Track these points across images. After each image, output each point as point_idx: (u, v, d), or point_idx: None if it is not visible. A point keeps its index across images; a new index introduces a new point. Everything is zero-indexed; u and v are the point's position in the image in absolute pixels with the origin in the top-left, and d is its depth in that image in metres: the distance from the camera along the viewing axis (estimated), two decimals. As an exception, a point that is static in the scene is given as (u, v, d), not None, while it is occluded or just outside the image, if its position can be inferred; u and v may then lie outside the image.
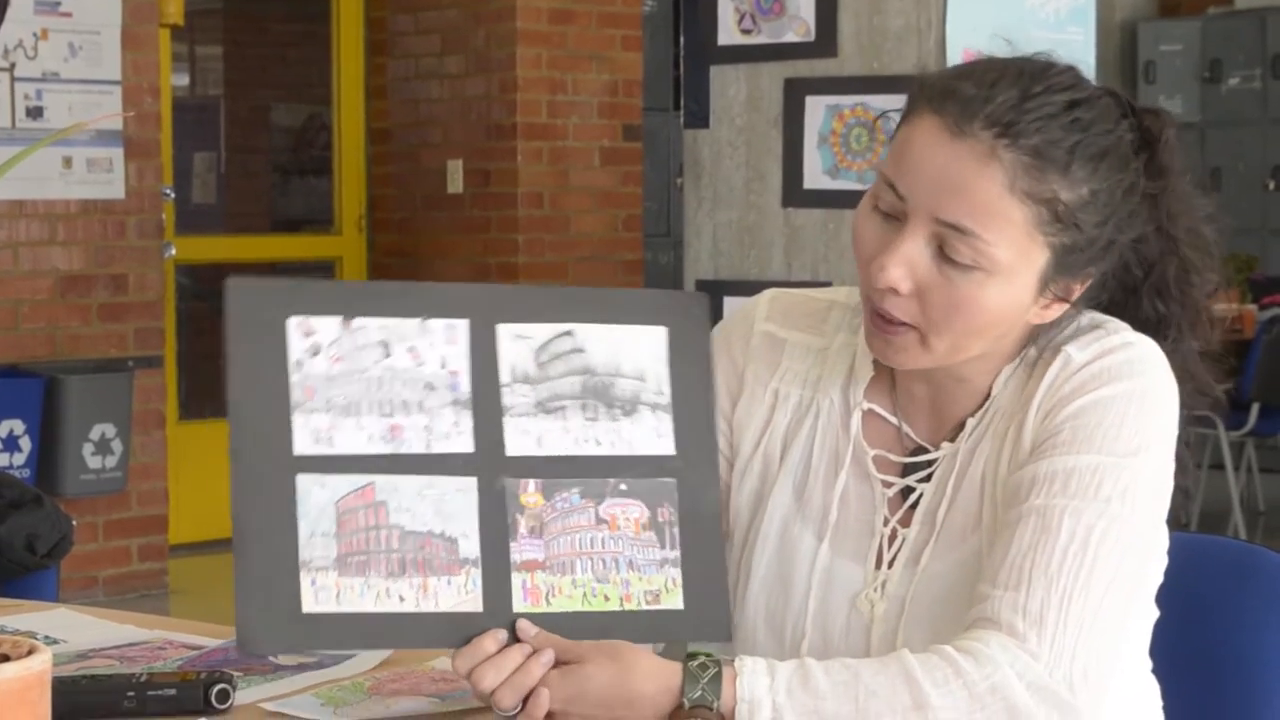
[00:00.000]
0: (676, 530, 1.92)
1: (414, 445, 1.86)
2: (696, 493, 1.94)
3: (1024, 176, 1.85)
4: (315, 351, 1.86)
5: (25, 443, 7.40)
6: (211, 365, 9.36)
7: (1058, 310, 1.94)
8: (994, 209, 1.85)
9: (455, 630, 1.84)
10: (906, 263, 1.88)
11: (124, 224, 7.80)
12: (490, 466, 1.88)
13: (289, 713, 1.99)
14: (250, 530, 1.82)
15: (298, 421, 1.84)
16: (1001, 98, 1.86)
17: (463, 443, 1.88)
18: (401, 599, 1.83)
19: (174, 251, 8.26)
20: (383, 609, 1.83)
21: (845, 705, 1.75)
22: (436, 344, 1.89)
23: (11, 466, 7.28)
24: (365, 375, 1.87)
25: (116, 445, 7.58)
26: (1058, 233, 1.88)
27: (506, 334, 1.92)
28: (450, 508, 1.86)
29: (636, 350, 1.95)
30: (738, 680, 1.77)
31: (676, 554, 1.91)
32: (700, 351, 1.98)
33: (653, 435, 1.94)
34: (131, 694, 1.98)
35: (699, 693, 1.77)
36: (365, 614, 1.82)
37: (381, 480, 1.85)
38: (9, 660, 1.38)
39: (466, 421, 1.88)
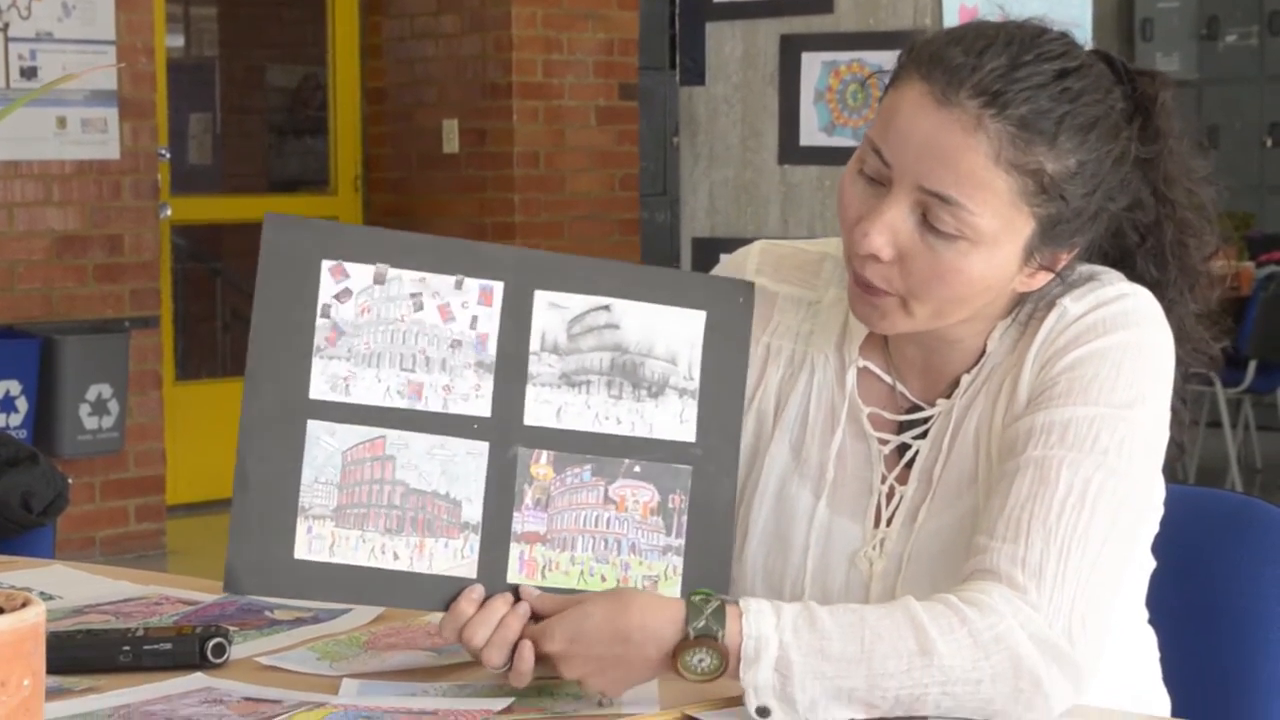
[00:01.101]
0: (685, 519, 1.90)
1: (431, 404, 1.85)
2: (711, 483, 1.91)
3: (1009, 147, 1.84)
4: (345, 297, 1.85)
5: (22, 403, 7.40)
6: (208, 326, 9.36)
7: (1043, 279, 1.93)
8: (979, 179, 1.84)
9: (445, 594, 1.83)
10: (889, 230, 1.87)
11: (119, 184, 7.79)
12: (505, 433, 1.87)
13: (285, 666, 1.98)
14: (254, 470, 1.81)
15: (317, 366, 1.83)
16: (990, 66, 1.85)
17: (480, 406, 1.86)
18: (396, 556, 1.83)
19: (170, 212, 8.26)
20: (375, 564, 1.83)
21: (851, 645, 1.74)
22: (470, 304, 1.87)
23: (8, 427, 7.28)
24: (392, 327, 1.85)
25: (113, 406, 7.58)
26: (1043, 203, 1.87)
27: (543, 301, 1.89)
28: (458, 470, 1.85)
29: (671, 332, 1.92)
30: (744, 618, 1.76)
31: (681, 542, 1.90)
32: (739, 340, 1.94)
33: (675, 420, 1.91)
34: (127, 648, 1.98)
35: (703, 622, 1.76)
36: (357, 567, 1.82)
37: (393, 435, 1.84)
38: (2, 613, 1.37)
39: (488, 385, 1.87)
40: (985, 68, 1.85)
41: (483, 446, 1.86)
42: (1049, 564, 1.79)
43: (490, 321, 1.87)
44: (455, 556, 1.84)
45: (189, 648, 1.98)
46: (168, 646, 1.98)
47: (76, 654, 1.98)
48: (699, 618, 1.77)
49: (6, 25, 7.42)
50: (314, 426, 1.83)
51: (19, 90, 7.40)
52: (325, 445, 1.83)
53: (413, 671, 1.95)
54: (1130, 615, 2.01)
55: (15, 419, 7.37)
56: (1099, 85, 1.90)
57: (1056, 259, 1.92)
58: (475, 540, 1.85)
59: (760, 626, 1.75)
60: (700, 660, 1.77)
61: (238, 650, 2.03)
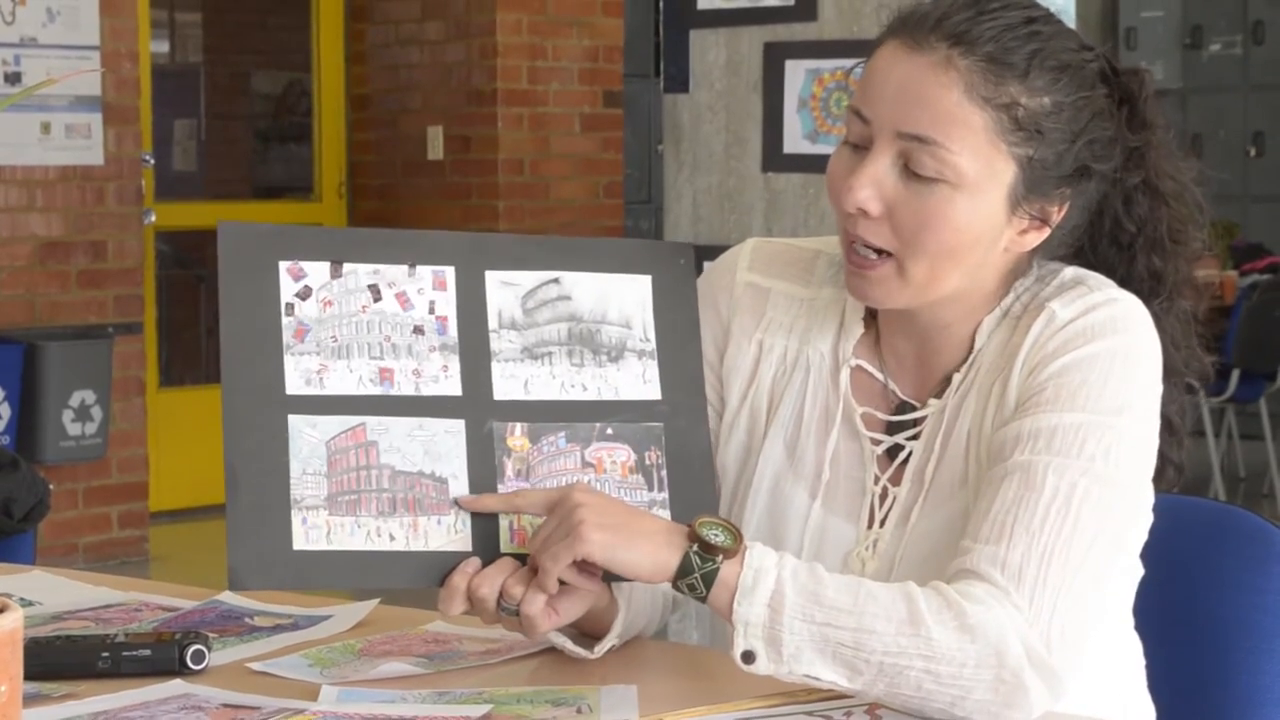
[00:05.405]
0: (665, 473, 1.94)
1: (403, 388, 1.90)
2: (684, 436, 1.96)
3: (981, 82, 1.87)
4: (306, 295, 1.90)
5: (4, 409, 7.38)
6: (192, 332, 9.35)
7: (1035, 238, 1.94)
8: (953, 116, 1.87)
9: (445, 569, 1.86)
10: (873, 182, 1.90)
11: (103, 190, 7.78)
12: (478, 410, 1.91)
13: (276, 673, 1.97)
14: (242, 469, 1.85)
15: (289, 363, 1.88)
16: (957, 15, 1.90)
17: (451, 386, 1.91)
18: (392, 538, 1.86)
19: (154, 218, 8.25)
20: (373, 547, 1.86)
21: (845, 597, 1.76)
22: (425, 289, 1.93)
23: (-9, 433, 7.27)
24: (355, 319, 1.90)
25: (96, 412, 7.57)
26: (1021, 142, 1.89)
27: (494, 280, 1.95)
28: (440, 448, 1.89)
29: (622, 298, 1.98)
30: (747, 553, 1.79)
31: (665, 495, 1.93)
32: (685, 299, 2.00)
33: (639, 381, 1.96)
34: (106, 654, 1.97)
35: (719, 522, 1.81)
36: (356, 552, 1.86)
37: (373, 421, 1.88)
38: (-20, 618, 1.37)
39: (454, 366, 1.92)
40: (953, 15, 1.90)
41: (459, 424, 1.91)
42: (1029, 567, 1.79)
43: (447, 305, 1.93)
44: (449, 532, 1.88)
45: (168, 654, 1.97)
46: (147, 653, 1.98)
47: (55, 660, 1.97)
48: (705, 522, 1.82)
49: (-10, 31, 7.41)
50: (295, 421, 1.87)
51: (3, 97, 7.39)
52: (308, 438, 1.86)
53: (405, 679, 1.95)
54: (1117, 623, 2.01)
55: (-2, 425, 7.36)
56: (1070, 36, 1.94)
57: (1046, 212, 1.93)
58: (466, 515, 1.88)
59: (763, 560, 1.78)
60: (715, 534, 1.79)
61: (217, 657, 2.02)
